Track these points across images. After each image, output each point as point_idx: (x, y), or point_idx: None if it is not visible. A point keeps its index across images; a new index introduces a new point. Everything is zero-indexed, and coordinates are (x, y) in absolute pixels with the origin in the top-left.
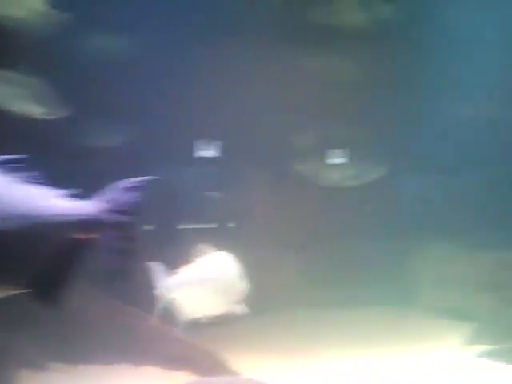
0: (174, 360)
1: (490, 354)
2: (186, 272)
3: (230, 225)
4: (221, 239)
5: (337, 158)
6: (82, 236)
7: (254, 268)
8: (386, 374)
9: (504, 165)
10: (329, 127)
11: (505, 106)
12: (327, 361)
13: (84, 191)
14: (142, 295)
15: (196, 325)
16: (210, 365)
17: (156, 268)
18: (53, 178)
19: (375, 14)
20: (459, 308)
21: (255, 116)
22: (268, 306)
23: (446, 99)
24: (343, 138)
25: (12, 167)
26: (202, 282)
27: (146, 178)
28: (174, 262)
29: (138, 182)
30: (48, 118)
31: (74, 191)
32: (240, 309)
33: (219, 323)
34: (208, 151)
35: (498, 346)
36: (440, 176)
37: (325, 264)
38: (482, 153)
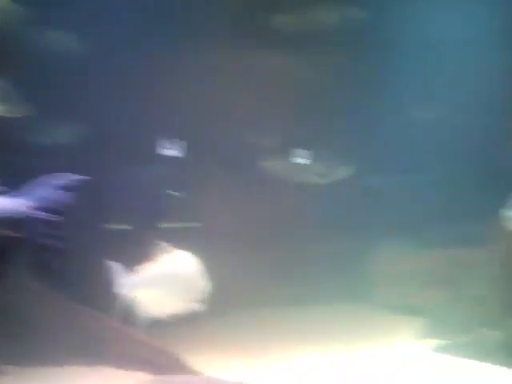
0: (130, 360)
1: (442, 349)
2: (146, 271)
3: (191, 224)
4: (182, 238)
5: (300, 158)
6: (9, 233)
7: (215, 267)
8: (343, 371)
9: (456, 166)
10: (293, 127)
11: (464, 108)
12: (287, 359)
13: (16, 188)
14: (100, 295)
15: (157, 324)
16: (169, 364)
17: (115, 267)
18: None
19: (341, 16)
20: (413, 304)
21: (219, 115)
22: (229, 305)
23: (409, 101)
24: (308, 138)
25: None
26: (163, 280)
27: (77, 177)
28: (134, 262)
29: (70, 180)
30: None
31: (3, 188)
32: (201, 308)
33: (180, 322)
34: (171, 150)
35: (450, 341)
36: (395, 176)
37: (286, 263)
38: (435, 154)
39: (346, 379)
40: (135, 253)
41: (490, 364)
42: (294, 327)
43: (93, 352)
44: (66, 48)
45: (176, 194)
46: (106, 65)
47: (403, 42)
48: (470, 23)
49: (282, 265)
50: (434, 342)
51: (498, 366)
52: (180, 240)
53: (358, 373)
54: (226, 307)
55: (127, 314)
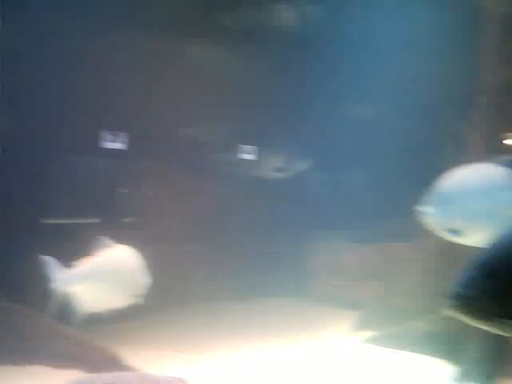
0: (62, 358)
1: (374, 340)
2: (84, 266)
3: (132, 219)
4: (122, 233)
5: (246, 153)
6: None
7: (154, 262)
8: (281, 363)
9: (390, 164)
10: (236, 124)
11: (401, 108)
12: (225, 354)
13: None
14: (35, 290)
15: (94, 320)
16: (102, 361)
17: (51, 262)
18: None
19: (281, 14)
20: (349, 297)
21: (164, 110)
22: (168, 300)
23: (350, 100)
24: (252, 134)
25: None
26: (101, 275)
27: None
28: (72, 256)
29: None
30: None
31: None
32: (140, 303)
33: (118, 318)
34: (113, 143)
35: (382, 332)
36: (336, 174)
37: (224, 257)
38: (370, 153)
39: (282, 372)
40: (73, 247)
41: (416, 354)
42: (232, 322)
43: (23, 350)
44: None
45: (117, 188)
46: (46, 55)
47: (346, 42)
48: (411, 26)
49: (222, 260)
50: (366, 334)
51: (424, 355)
52: (120, 235)
53: (294, 366)
54: (164, 303)
55: (62, 310)
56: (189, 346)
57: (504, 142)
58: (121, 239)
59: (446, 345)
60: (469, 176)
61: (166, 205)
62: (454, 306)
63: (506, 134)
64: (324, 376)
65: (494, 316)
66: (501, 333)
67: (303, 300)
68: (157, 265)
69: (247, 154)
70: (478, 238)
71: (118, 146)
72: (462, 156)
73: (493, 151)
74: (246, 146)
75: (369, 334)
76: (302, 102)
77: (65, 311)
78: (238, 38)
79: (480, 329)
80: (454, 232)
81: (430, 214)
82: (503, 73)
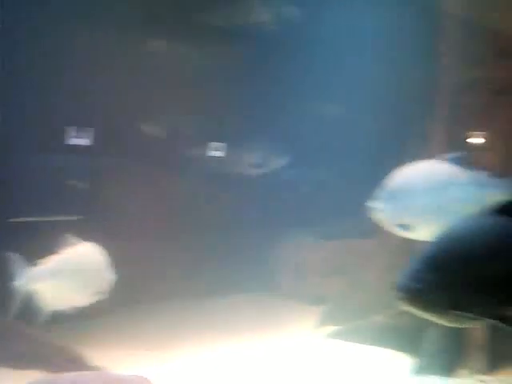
0: (23, 358)
1: (337, 335)
2: (49, 264)
3: (97, 215)
4: (87, 230)
5: (214, 150)
6: None
7: (119, 260)
8: (247, 360)
9: (356, 161)
10: (207, 121)
11: (368, 107)
12: (190, 352)
13: None
14: None
15: (58, 318)
16: (65, 361)
17: (14, 259)
18: None
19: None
20: (313, 293)
21: (129, 106)
22: (135, 297)
23: (319, 99)
24: (223, 131)
25: None
26: (66, 273)
27: None
28: (36, 254)
29: None
30: None
31: None
32: (105, 301)
33: (83, 316)
34: (77, 139)
35: (345, 327)
36: (303, 171)
37: (194, 254)
38: (337, 150)
39: (248, 368)
40: (37, 244)
41: (378, 347)
42: (201, 319)
43: None
44: None
45: (81, 184)
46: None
47: (318, 42)
48: (378, 27)
49: (190, 257)
50: (330, 329)
51: (386, 349)
52: (85, 232)
53: (260, 362)
54: (132, 301)
55: (25, 309)
56: (157, 344)
57: (467, 140)
58: (86, 237)
59: (407, 338)
60: (417, 172)
61: (131, 202)
62: (403, 299)
63: (468, 132)
64: (288, 370)
65: (442, 308)
66: (450, 324)
67: (270, 296)
68: (123, 262)
69: (217, 150)
70: (427, 232)
71: (81, 142)
72: (425, 154)
73: (455, 149)
74: (215, 142)
75: (332, 328)
76: (273, 100)
77: (27, 310)
78: (209, 35)
79: (439, 322)
80: (404, 227)
81: (380, 210)
82: (464, 73)
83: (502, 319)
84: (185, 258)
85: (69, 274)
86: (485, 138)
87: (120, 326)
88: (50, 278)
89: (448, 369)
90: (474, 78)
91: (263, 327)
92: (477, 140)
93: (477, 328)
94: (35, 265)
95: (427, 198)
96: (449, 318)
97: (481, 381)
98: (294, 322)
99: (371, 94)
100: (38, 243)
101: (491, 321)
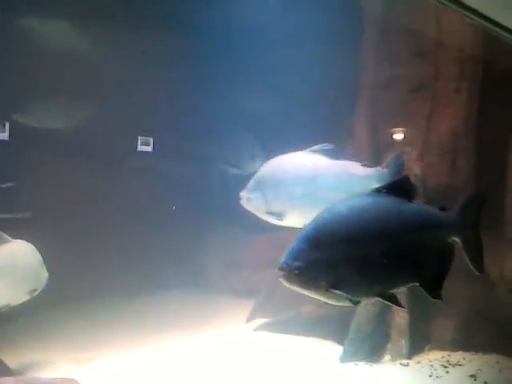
0: None
1: (267, 327)
2: None
3: (28, 213)
4: (18, 228)
5: (142, 145)
6: None
7: (52, 258)
8: (179, 356)
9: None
10: (134, 116)
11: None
12: (124, 351)
13: None
14: None
15: None
16: None
17: None
18: None
19: None
20: (243, 286)
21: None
22: (65, 296)
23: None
24: (150, 126)
25: None
26: None
27: None
28: None
29: None
30: None
31: None
32: (36, 299)
33: (13, 315)
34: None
35: (275, 319)
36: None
37: (120, 253)
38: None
39: (179, 365)
40: None
41: (308, 337)
42: (130, 317)
43: None
44: None
45: (8, 181)
46: None
47: (242, 37)
48: (301, 24)
49: (119, 255)
50: (260, 322)
51: (315, 338)
52: (15, 230)
53: (192, 357)
54: (60, 300)
55: None
56: (84, 344)
57: (386, 136)
58: (17, 234)
59: (334, 327)
60: (285, 162)
61: (60, 199)
62: (284, 277)
63: (388, 129)
64: (218, 364)
65: (320, 285)
66: (328, 302)
67: (200, 292)
68: (54, 260)
69: (145, 145)
70: (298, 219)
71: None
72: (350, 150)
73: (375, 146)
74: (144, 137)
75: (263, 321)
76: (194, 94)
77: None
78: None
79: (364, 309)
80: (275, 214)
81: (251, 199)
82: (383, 70)
83: (382, 297)
84: (116, 255)
85: (1, 271)
86: (403, 134)
87: (47, 325)
88: None
89: (373, 355)
90: (391, 76)
91: (194, 323)
92: (396, 136)
93: (399, 314)
94: None
95: (295, 186)
96: (326, 295)
97: (404, 365)
98: (225, 316)
99: (290, 89)
100: None
101: (371, 298)
